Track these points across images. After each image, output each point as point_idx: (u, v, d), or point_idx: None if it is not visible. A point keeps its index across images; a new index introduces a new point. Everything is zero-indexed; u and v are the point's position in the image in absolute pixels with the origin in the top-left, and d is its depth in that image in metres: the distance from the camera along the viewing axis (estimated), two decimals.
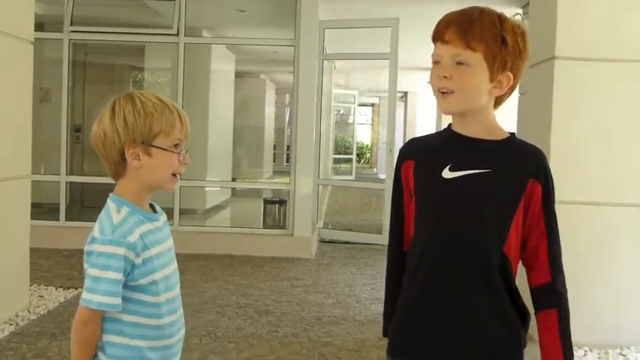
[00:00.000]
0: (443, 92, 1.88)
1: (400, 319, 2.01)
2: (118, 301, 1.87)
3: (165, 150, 1.95)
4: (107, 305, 1.86)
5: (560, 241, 1.93)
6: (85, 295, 1.87)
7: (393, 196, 2.08)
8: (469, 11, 1.86)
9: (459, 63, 1.84)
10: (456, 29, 1.84)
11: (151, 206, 2.06)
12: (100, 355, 1.94)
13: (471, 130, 1.92)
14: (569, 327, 1.92)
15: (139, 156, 1.93)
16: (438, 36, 1.88)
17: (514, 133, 1.97)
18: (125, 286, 1.89)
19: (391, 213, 2.09)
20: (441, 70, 1.87)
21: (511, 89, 1.92)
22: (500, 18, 1.86)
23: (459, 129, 1.95)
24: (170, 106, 1.97)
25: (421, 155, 2.00)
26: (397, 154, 2.10)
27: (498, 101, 1.94)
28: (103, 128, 1.94)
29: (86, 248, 1.91)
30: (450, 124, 1.99)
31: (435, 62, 1.89)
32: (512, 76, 1.87)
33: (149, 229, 1.96)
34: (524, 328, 1.94)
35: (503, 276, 1.87)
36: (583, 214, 4.96)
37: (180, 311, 2.08)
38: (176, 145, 1.97)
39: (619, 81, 4.98)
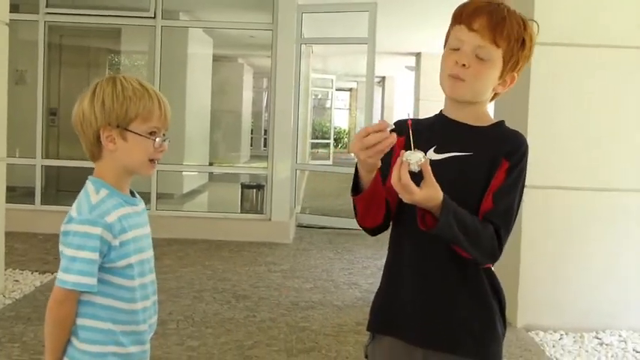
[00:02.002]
0: (454, 77, 1.88)
1: (379, 297, 2.05)
2: (94, 281, 1.86)
3: (140, 135, 1.93)
4: (82, 285, 1.85)
5: (508, 228, 1.86)
6: (59, 275, 1.86)
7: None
8: (499, 6, 1.87)
9: (479, 56, 1.85)
10: (487, 21, 1.84)
11: (131, 193, 2.04)
12: (73, 339, 1.92)
13: (460, 116, 1.94)
14: (466, 230, 1.77)
15: (114, 139, 1.92)
16: (464, 20, 1.87)
17: (503, 121, 1.98)
18: (100, 267, 1.88)
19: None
20: (460, 57, 1.86)
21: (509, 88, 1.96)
22: (524, 20, 1.89)
23: (450, 114, 1.97)
24: (151, 92, 1.95)
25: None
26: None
27: (495, 95, 1.98)
28: (82, 109, 1.94)
29: (62, 228, 1.89)
30: (441, 110, 2.00)
31: (454, 48, 1.88)
32: (516, 77, 1.92)
33: (127, 213, 1.95)
34: (501, 310, 1.95)
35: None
36: (559, 199, 5.01)
37: (154, 298, 2.06)
38: (153, 133, 1.95)
39: (596, 66, 5.01)
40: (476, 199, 1.86)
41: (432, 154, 1.89)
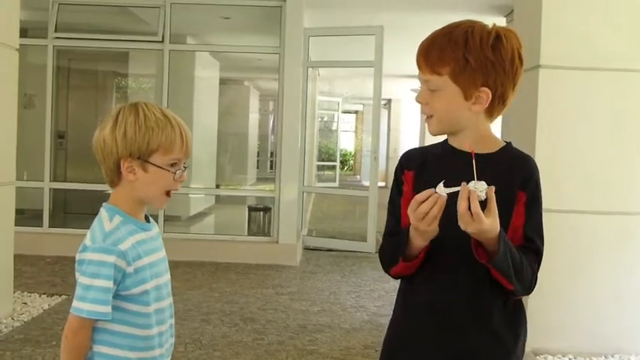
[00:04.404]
0: (426, 117, 1.93)
1: (392, 329, 2.04)
2: (108, 309, 1.85)
3: (161, 168, 1.92)
4: (97, 313, 1.85)
5: (540, 263, 1.89)
6: (75, 303, 1.86)
7: (390, 199, 2.04)
8: (437, 33, 1.88)
9: (430, 89, 1.88)
10: (422, 55, 1.88)
11: (145, 217, 2.04)
12: None
13: (464, 144, 1.90)
14: (514, 262, 1.78)
15: (134, 170, 1.91)
16: (416, 62, 1.91)
17: (510, 143, 1.96)
18: (116, 295, 1.88)
19: (388, 212, 2.04)
20: (419, 97, 1.92)
21: (501, 102, 1.88)
22: (468, 34, 1.83)
23: (454, 143, 1.95)
24: (173, 122, 1.94)
25: (419, 167, 1.98)
26: (397, 161, 2.09)
27: (490, 114, 1.91)
28: (103, 136, 1.92)
29: (77, 257, 1.89)
30: (447, 138, 1.99)
31: None
32: (489, 91, 1.84)
33: (142, 239, 1.95)
34: (520, 344, 1.93)
35: (496, 292, 1.85)
36: (565, 223, 4.99)
37: (171, 322, 2.06)
38: (174, 164, 1.95)
39: (603, 89, 5.01)
40: None
41: (440, 189, 1.83)
